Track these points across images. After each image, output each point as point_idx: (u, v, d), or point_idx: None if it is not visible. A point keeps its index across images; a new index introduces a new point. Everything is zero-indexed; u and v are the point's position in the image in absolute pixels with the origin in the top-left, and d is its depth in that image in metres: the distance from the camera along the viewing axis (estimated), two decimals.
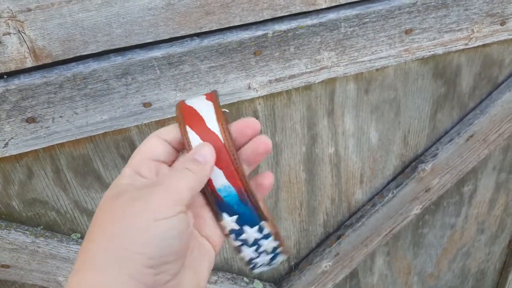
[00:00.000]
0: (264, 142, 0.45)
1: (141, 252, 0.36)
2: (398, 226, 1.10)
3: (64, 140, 0.75)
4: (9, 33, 0.67)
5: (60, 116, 0.74)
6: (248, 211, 0.44)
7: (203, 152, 0.42)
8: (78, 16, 0.68)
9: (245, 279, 1.09)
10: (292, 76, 0.82)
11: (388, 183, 1.08)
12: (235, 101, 0.81)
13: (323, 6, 0.78)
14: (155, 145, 0.44)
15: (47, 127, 0.74)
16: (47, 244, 0.85)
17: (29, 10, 0.66)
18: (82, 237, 0.90)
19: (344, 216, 1.09)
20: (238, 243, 0.46)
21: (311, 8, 0.78)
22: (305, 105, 0.89)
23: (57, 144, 0.78)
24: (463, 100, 1.02)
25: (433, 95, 0.98)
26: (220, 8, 0.73)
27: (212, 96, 0.48)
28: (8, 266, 0.84)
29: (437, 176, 1.06)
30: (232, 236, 0.45)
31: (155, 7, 0.70)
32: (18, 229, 0.83)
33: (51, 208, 0.85)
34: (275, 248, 0.47)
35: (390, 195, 1.05)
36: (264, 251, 0.46)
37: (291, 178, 0.98)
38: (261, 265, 0.48)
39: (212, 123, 0.44)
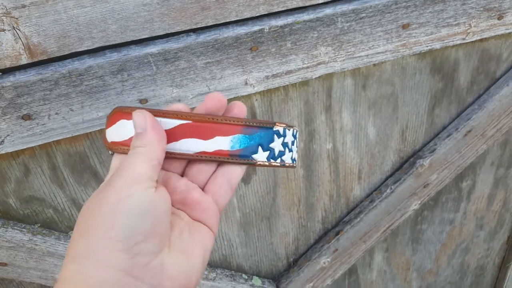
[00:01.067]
0: (238, 105, 0.47)
1: (109, 236, 0.36)
2: (397, 222, 1.10)
3: (60, 137, 0.75)
4: (3, 30, 0.66)
5: (56, 113, 0.74)
6: (262, 134, 0.46)
7: (137, 122, 0.43)
8: (73, 12, 0.68)
9: (244, 275, 1.09)
10: (289, 72, 0.82)
11: (386, 178, 1.07)
12: (232, 97, 0.81)
13: (320, 1, 0.78)
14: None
15: (43, 124, 0.74)
16: (44, 242, 0.84)
17: (24, 6, 0.66)
18: None
19: (343, 212, 1.09)
20: (278, 160, 0.47)
21: (308, 3, 0.77)
22: (302, 100, 0.89)
23: (53, 141, 0.78)
24: (461, 95, 1.01)
25: (431, 90, 0.98)
26: (216, 4, 0.73)
27: None
28: (5, 264, 0.84)
29: (436, 172, 1.06)
30: (271, 161, 0.47)
31: (150, 3, 0.70)
32: (15, 227, 0.83)
33: (48, 205, 0.85)
34: (293, 135, 0.49)
35: (388, 190, 1.05)
36: (289, 142, 0.49)
37: (289, 175, 0.98)
38: (295, 153, 0.50)
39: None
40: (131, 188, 0.38)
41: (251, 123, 0.46)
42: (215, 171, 0.48)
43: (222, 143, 0.45)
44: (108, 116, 0.48)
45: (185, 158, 0.46)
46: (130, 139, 0.45)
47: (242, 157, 0.46)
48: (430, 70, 0.95)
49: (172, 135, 0.45)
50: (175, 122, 0.45)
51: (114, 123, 0.46)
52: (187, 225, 0.44)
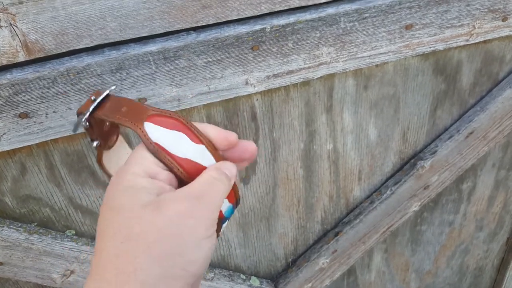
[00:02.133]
0: (251, 148, 0.45)
1: (188, 269, 0.35)
2: (396, 223, 1.09)
3: (58, 136, 0.74)
4: (0, 26, 0.65)
5: (54, 112, 0.73)
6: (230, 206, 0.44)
7: (229, 166, 0.41)
8: (71, 9, 0.67)
9: (241, 276, 1.08)
10: (290, 72, 0.81)
11: (387, 180, 1.07)
12: (233, 97, 0.80)
13: (322, 1, 0.77)
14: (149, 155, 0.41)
15: (40, 123, 0.73)
16: (41, 241, 0.84)
17: (21, 2, 0.65)
18: (76, 234, 0.89)
19: (342, 213, 1.08)
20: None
21: (310, 3, 0.76)
22: (303, 101, 0.88)
23: (50, 140, 0.77)
24: (463, 96, 1.00)
25: (433, 91, 0.97)
26: (217, 2, 0.72)
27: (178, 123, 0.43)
28: (1, 264, 0.83)
29: (436, 173, 1.05)
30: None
31: (150, 0, 0.69)
32: (12, 226, 0.82)
33: (45, 204, 0.84)
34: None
35: (388, 192, 1.04)
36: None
37: (289, 175, 0.97)
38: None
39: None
40: (213, 227, 0.37)
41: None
42: None
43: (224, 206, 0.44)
44: (155, 112, 0.41)
45: None
46: (189, 161, 0.41)
47: (223, 223, 0.44)
48: (433, 71, 0.94)
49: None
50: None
51: (169, 127, 0.41)
52: None
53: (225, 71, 0.77)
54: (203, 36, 0.74)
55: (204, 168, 0.41)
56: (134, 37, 0.71)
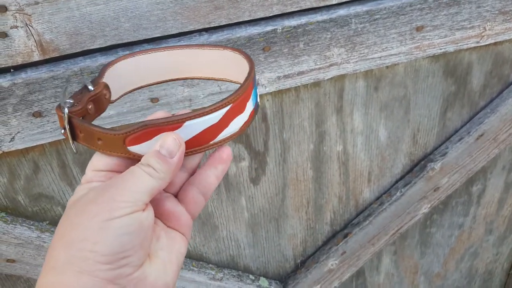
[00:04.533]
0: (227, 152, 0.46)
1: (94, 250, 0.36)
2: (406, 225, 1.09)
3: None
4: (16, 27, 0.66)
5: None
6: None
7: (169, 145, 0.40)
8: (86, 10, 0.68)
9: (251, 276, 1.08)
10: (301, 73, 0.81)
11: (397, 181, 1.06)
12: None
13: (334, 2, 0.77)
14: (97, 157, 0.43)
15: (53, 122, 0.74)
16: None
17: (37, 3, 0.66)
18: None
19: (352, 214, 1.08)
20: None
21: (322, 4, 0.77)
22: (313, 102, 0.88)
23: (63, 139, 0.78)
24: (474, 98, 1.00)
25: (443, 93, 0.97)
26: (229, 3, 0.72)
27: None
28: (13, 261, 0.84)
29: (446, 175, 1.05)
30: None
31: (163, 1, 0.70)
32: (24, 224, 0.83)
33: (56, 203, 0.84)
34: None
35: (398, 194, 1.04)
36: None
37: (298, 176, 0.97)
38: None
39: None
40: (124, 209, 0.38)
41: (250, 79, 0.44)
42: (187, 180, 0.47)
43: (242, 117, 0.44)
44: (128, 135, 0.41)
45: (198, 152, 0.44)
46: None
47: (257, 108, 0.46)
48: (443, 73, 0.94)
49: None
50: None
51: (150, 138, 0.41)
52: (163, 231, 0.44)
53: None
54: (215, 37, 0.74)
55: None
56: (147, 37, 0.72)
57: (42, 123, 0.73)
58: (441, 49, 0.87)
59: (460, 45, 0.88)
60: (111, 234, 0.37)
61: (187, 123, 0.40)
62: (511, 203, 1.24)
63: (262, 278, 1.09)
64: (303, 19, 0.77)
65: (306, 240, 1.09)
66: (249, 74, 0.44)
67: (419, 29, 0.84)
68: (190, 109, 0.79)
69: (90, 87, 0.46)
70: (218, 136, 0.42)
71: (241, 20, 0.74)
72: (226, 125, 0.42)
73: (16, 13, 0.65)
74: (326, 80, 0.86)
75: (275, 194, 0.98)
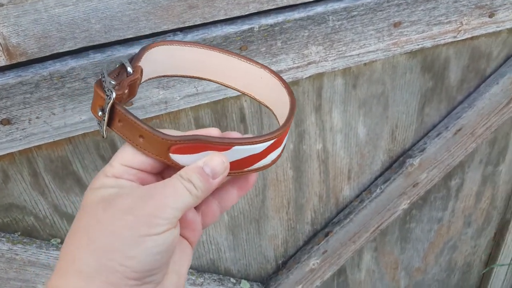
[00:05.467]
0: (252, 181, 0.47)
1: (125, 264, 0.36)
2: (386, 221, 1.09)
3: (42, 142, 0.72)
4: None
5: (37, 117, 0.70)
6: None
7: (215, 165, 0.39)
8: (54, 12, 0.64)
9: (232, 279, 1.06)
10: (279, 72, 0.80)
11: (376, 178, 1.06)
12: (221, 98, 0.78)
13: None
14: (131, 152, 0.41)
15: (23, 129, 0.70)
16: (25, 251, 0.81)
17: (1, 5, 0.62)
18: (62, 242, 0.86)
19: (332, 213, 1.08)
20: None
21: (299, 1, 0.75)
22: None
23: (34, 147, 0.74)
24: (451, 93, 1.00)
25: (421, 89, 0.97)
26: (204, 2, 0.70)
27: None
28: None
29: (425, 171, 1.05)
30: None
31: (135, 1, 0.67)
32: None
33: (28, 213, 0.81)
34: None
35: (378, 190, 1.03)
36: None
37: (279, 176, 0.95)
38: None
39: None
40: (162, 227, 0.37)
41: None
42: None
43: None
44: (176, 144, 0.40)
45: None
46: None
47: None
48: (421, 69, 0.94)
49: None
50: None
51: (195, 152, 0.40)
52: (179, 245, 0.43)
53: None
54: (190, 36, 0.72)
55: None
56: (119, 39, 0.69)
57: (11, 131, 0.70)
58: (418, 44, 0.87)
59: (438, 41, 0.88)
60: (145, 251, 0.36)
61: (235, 147, 0.39)
62: (488, 195, 1.26)
63: (243, 281, 1.07)
64: (280, 17, 0.75)
65: (287, 240, 1.07)
66: (291, 110, 0.45)
67: (396, 25, 0.83)
68: (166, 111, 0.77)
69: (130, 70, 0.44)
70: (254, 165, 0.42)
71: (216, 19, 0.72)
72: (264, 156, 0.42)
73: None
74: (304, 79, 0.85)
75: (255, 195, 0.96)
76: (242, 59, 0.51)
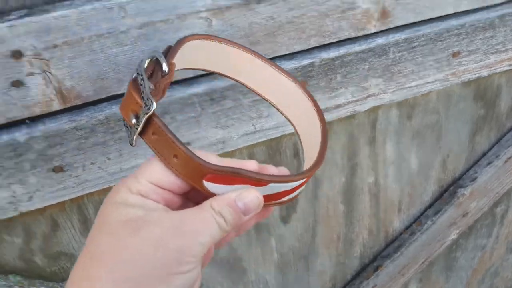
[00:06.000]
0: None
1: None
2: (436, 252, 1.05)
3: (96, 189, 0.68)
4: (32, 73, 0.59)
5: (92, 163, 0.66)
6: None
7: (249, 202, 0.37)
8: (111, 52, 0.61)
9: None
10: (337, 106, 0.76)
11: (426, 209, 1.02)
12: (279, 135, 0.75)
13: (372, 31, 0.72)
14: (160, 170, 0.37)
15: (76, 176, 0.66)
16: None
17: (55, 46, 0.58)
18: None
19: (381, 246, 1.03)
20: None
21: (360, 33, 0.72)
22: (346, 134, 0.83)
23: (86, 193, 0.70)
24: (501, 121, 0.97)
25: (473, 117, 0.93)
26: (266, 38, 0.67)
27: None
28: None
29: (475, 200, 1.01)
30: None
31: None
32: (42, 287, 0.74)
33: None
34: None
35: (429, 222, 0.99)
36: None
37: (329, 211, 0.91)
38: None
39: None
40: (190, 265, 0.35)
41: None
42: None
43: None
44: (212, 173, 0.37)
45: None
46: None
47: None
48: (474, 97, 0.90)
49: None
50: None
51: (230, 184, 0.38)
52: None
53: (272, 109, 0.72)
54: None
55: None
56: (178, 78, 0.66)
57: (63, 179, 0.65)
58: (475, 74, 0.83)
59: (494, 69, 0.85)
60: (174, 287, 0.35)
61: (271, 184, 0.38)
62: None
63: None
64: (341, 50, 0.71)
65: (336, 276, 1.03)
66: (323, 147, 0.43)
67: (455, 55, 0.80)
68: (223, 151, 0.73)
69: (165, 68, 0.40)
70: (283, 199, 0.41)
71: (277, 54, 0.69)
72: (293, 192, 0.40)
73: (32, 58, 0.58)
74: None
75: (305, 231, 0.92)
76: (276, 68, 0.49)
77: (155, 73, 0.40)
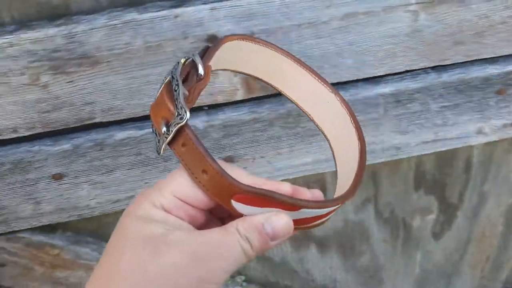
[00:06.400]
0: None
1: None
2: None
3: None
4: None
5: (261, 157, 0.62)
6: None
7: (279, 228, 0.34)
8: (306, 43, 0.56)
9: None
10: None
11: None
12: (460, 146, 0.67)
13: None
14: (187, 184, 0.34)
15: (244, 168, 0.62)
16: None
17: (252, 33, 0.55)
18: None
19: None
20: None
21: None
22: None
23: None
24: None
25: None
26: (473, 37, 0.58)
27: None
28: None
29: None
30: None
31: (397, 34, 0.56)
32: None
33: None
34: None
35: None
36: None
37: (486, 231, 0.83)
38: None
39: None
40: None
41: None
42: None
43: None
44: (241, 193, 0.34)
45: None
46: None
47: None
48: None
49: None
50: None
51: (259, 206, 0.35)
52: None
53: (460, 117, 0.64)
54: (446, 76, 0.61)
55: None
56: (367, 76, 0.59)
57: None
58: None
59: None
60: None
61: (303, 210, 0.35)
62: None
63: None
64: None
65: None
66: (359, 174, 0.39)
67: None
68: (396, 158, 0.66)
69: (201, 72, 0.37)
70: (313, 223, 0.38)
71: (481, 57, 0.60)
72: (324, 217, 0.37)
73: None
74: None
75: (455, 249, 0.84)
76: (315, 76, 0.45)
77: (191, 76, 0.37)
